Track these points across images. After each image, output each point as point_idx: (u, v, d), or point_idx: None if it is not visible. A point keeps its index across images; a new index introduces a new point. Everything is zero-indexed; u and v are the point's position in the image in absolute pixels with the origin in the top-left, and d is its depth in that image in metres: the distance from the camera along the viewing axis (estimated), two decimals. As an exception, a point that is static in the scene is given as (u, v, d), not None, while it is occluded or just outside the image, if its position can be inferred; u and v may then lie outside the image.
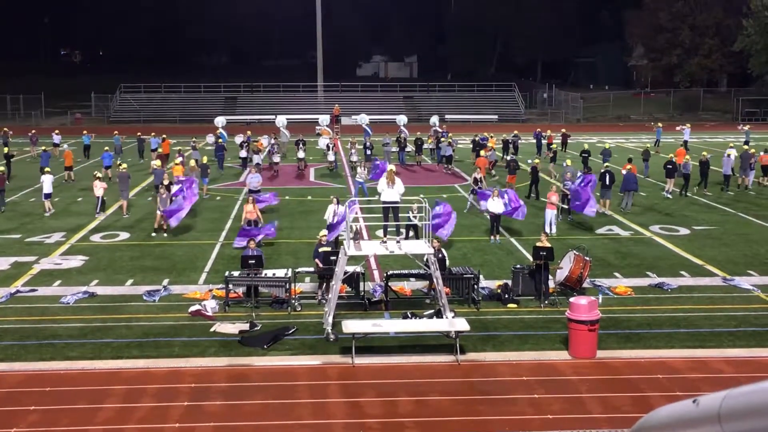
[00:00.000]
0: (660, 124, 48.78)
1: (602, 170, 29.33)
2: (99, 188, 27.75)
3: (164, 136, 42.54)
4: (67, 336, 15.85)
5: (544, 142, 43.57)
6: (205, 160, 33.94)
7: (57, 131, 45.69)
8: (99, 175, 29.23)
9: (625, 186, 28.24)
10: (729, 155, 32.75)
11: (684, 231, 25.54)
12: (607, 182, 28.16)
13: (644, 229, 25.80)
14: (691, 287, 19.30)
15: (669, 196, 30.94)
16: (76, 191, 32.94)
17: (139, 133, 44.00)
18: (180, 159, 33.79)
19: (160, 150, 40.05)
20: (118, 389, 13.39)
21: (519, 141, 42.10)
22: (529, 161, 34.16)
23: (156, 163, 33.17)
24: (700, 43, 77.29)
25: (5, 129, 46.77)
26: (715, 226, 26.25)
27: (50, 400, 12.97)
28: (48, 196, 28.45)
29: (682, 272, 20.55)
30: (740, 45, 68.45)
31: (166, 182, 26.56)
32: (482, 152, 37.20)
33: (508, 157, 35.87)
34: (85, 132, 44.43)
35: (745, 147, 34.65)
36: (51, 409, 12.64)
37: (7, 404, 12.80)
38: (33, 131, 45.12)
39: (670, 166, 31.12)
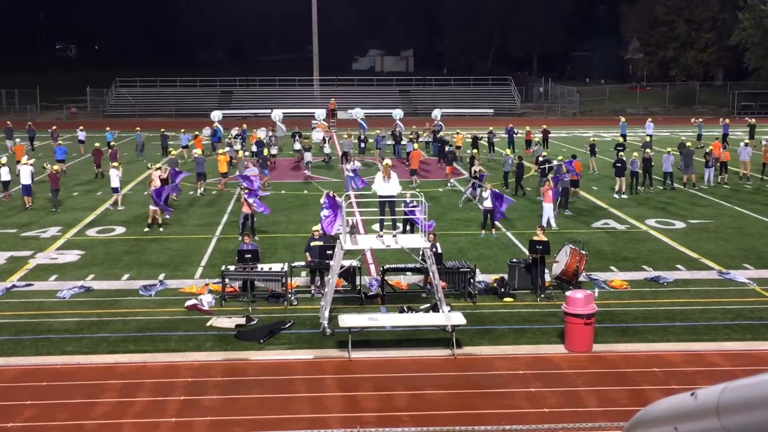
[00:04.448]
0: (623, 119, 48.49)
1: (541, 159, 31.01)
2: (158, 179, 28.03)
3: (197, 132, 41.92)
4: (63, 330, 15.83)
5: (516, 137, 42.71)
6: (266, 152, 34.19)
7: (81, 127, 44.72)
8: (158, 165, 29.43)
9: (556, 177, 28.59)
10: (669, 152, 32.31)
11: (680, 225, 25.57)
12: (547, 171, 29.44)
13: (640, 222, 25.83)
14: (687, 281, 19.33)
15: (624, 196, 30.00)
16: (71, 186, 32.85)
17: (162, 130, 43.31)
18: (226, 149, 34.58)
19: (191, 145, 39.81)
20: (114, 384, 13.38)
21: (494, 138, 41.89)
22: (468, 151, 35.51)
23: (197, 151, 33.28)
24: (696, 37, 77.28)
25: (30, 123, 46.47)
26: (711, 220, 26.28)
27: (46, 394, 12.96)
28: (116, 190, 28.32)
29: (678, 266, 20.58)
30: (736, 39, 68.43)
31: (164, 175, 26.69)
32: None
33: (448, 149, 35.71)
34: (108, 129, 43.72)
35: (688, 144, 34.02)
36: (47, 403, 12.63)
37: (4, 399, 12.78)
38: (54, 127, 44.62)
39: (619, 165, 30.37)
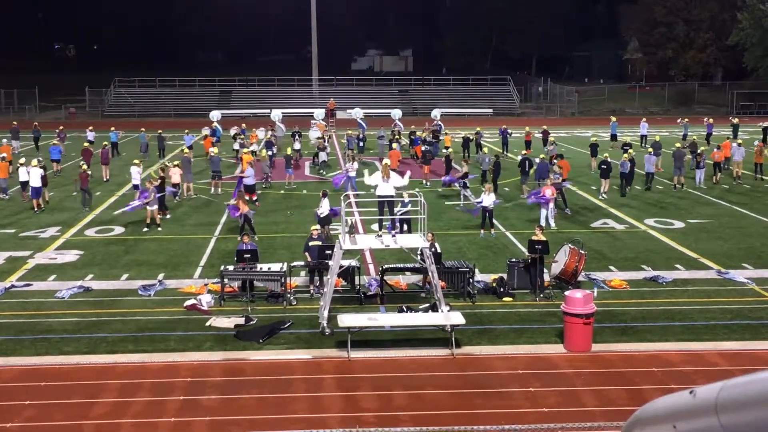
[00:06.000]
0: (614, 118, 48.44)
1: (521, 157, 31.29)
2: (176, 175, 28.56)
3: (206, 134, 41.82)
4: (62, 331, 15.83)
5: (510, 138, 42.59)
6: (289, 151, 34.32)
7: (91, 128, 44.40)
8: (176, 162, 29.63)
9: (538, 175, 29.04)
10: (650, 153, 32.19)
11: (679, 224, 25.57)
12: (527, 168, 30.09)
13: (639, 222, 25.83)
14: (685, 280, 19.34)
15: (605, 196, 29.76)
16: (69, 186, 32.79)
17: (160, 131, 42.94)
18: (252, 148, 34.85)
19: (194, 145, 39.62)
20: (113, 384, 13.38)
21: (481, 138, 41.95)
22: (444, 150, 36.13)
23: (213, 150, 33.31)
24: (694, 37, 77.28)
25: (36, 124, 46.41)
26: (710, 220, 26.29)
27: (45, 394, 12.96)
28: (137, 187, 28.37)
29: (677, 265, 20.58)
30: (735, 39, 68.40)
31: (156, 182, 26.81)
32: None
33: (425, 149, 35.76)
34: (112, 129, 43.49)
35: (678, 145, 34.00)
36: (46, 403, 12.63)
37: (2, 399, 12.78)
38: (61, 127, 44.58)
39: (605, 167, 30.14)
